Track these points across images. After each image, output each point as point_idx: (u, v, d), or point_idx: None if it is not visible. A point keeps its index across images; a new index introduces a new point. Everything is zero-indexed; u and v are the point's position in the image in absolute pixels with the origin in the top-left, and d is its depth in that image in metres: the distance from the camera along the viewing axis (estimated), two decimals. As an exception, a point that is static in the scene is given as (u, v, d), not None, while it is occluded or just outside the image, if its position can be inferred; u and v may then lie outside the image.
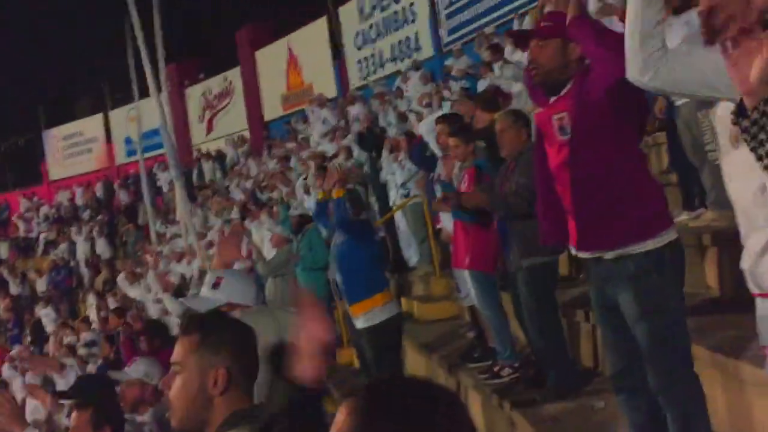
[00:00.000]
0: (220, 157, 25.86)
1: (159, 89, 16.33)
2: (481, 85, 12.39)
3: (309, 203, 13.43)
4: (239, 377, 2.56)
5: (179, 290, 14.66)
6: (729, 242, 6.04)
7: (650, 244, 3.90)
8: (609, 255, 4.00)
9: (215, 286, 3.78)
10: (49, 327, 21.54)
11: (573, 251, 4.24)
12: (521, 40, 4.55)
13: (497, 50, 13.34)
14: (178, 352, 2.60)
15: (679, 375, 3.91)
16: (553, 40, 4.09)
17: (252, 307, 3.48)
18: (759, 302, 3.15)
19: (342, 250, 7.36)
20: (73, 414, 4.69)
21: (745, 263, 3.04)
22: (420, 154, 10.22)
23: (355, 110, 18.85)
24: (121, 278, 18.80)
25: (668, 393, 3.91)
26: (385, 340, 7.38)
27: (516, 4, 18.68)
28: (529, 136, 6.43)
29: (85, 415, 4.63)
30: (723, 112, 2.83)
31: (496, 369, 7.11)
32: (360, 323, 7.40)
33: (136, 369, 6.18)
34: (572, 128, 4.01)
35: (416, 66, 19.16)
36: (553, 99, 4.17)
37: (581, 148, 3.99)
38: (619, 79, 3.17)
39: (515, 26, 14.78)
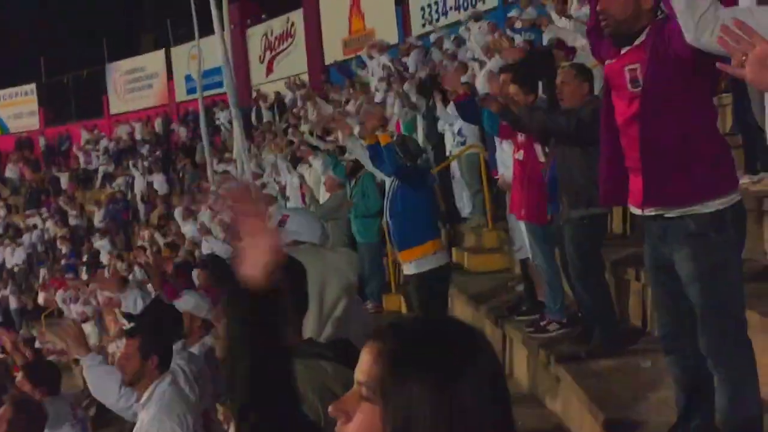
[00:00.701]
0: (279, 99, 25.86)
1: (222, 27, 16.31)
2: (545, 38, 12.15)
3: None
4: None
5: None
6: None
7: (714, 205, 3.82)
8: (671, 213, 3.91)
9: (281, 224, 3.77)
10: (104, 259, 21.95)
11: (633, 210, 4.14)
12: None
13: (563, 2, 13.04)
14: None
15: (731, 338, 3.84)
16: None
17: (301, 245, 3.47)
18: None
19: (395, 195, 7.33)
20: (125, 341, 4.80)
21: None
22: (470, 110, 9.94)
23: (412, 59, 18.66)
24: (177, 213, 19.05)
25: (719, 356, 3.85)
26: (432, 288, 7.36)
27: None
28: (591, 90, 6.37)
29: (134, 343, 4.73)
30: None
31: (543, 323, 7.09)
32: (409, 269, 7.40)
33: (186, 301, 6.28)
34: (645, 80, 3.86)
35: (476, 16, 18.85)
36: (624, 50, 4.02)
37: (653, 101, 3.85)
38: None
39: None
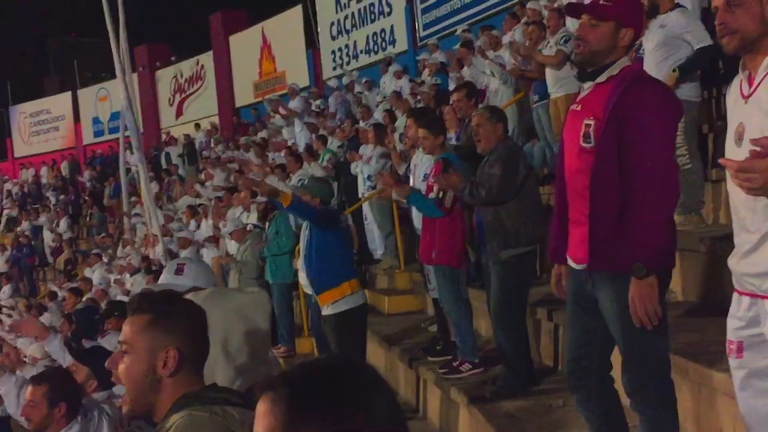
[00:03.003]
0: (189, 143, 25.64)
1: (128, 69, 16.18)
2: (455, 81, 12.33)
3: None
4: (190, 359, 2.51)
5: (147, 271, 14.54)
6: (692, 249, 6.07)
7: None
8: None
9: (178, 272, 3.75)
10: (6, 303, 21.34)
11: (574, 266, 4.04)
12: (572, 9, 4.37)
13: (470, 46, 13.31)
14: (126, 332, 2.53)
15: (654, 377, 3.86)
16: (607, 21, 3.88)
17: (204, 289, 3.43)
18: (735, 297, 3.16)
19: (310, 238, 7.29)
20: (29, 388, 4.65)
21: (732, 260, 3.11)
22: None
23: (333, 101, 18.81)
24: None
25: (640, 394, 3.86)
26: (351, 328, 7.31)
27: (493, 1, 18.67)
28: (505, 131, 6.48)
29: (41, 390, 4.58)
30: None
31: (455, 364, 7.09)
32: (326, 310, 7.35)
33: (109, 342, 6.14)
34: (597, 140, 3.81)
35: (388, 61, 19.10)
36: (585, 89, 3.98)
37: (602, 162, 3.80)
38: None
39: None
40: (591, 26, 3.89)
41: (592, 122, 3.83)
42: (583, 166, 3.88)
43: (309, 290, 7.98)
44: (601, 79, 3.90)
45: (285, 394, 1.51)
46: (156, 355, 2.48)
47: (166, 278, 3.82)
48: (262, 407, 1.53)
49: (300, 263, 7.93)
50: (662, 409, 3.87)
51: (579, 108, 3.96)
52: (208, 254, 13.82)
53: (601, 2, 3.92)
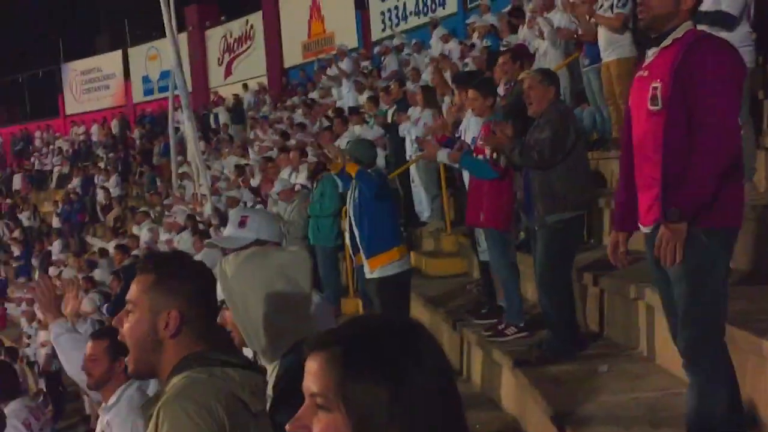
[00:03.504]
0: (237, 103, 25.74)
1: (176, 29, 16.26)
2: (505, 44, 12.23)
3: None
4: (193, 321, 2.50)
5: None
6: (748, 219, 5.99)
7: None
8: None
9: (242, 224, 3.75)
10: (55, 259, 21.71)
11: (646, 230, 4.08)
12: None
13: (520, 14, 13.19)
14: (132, 291, 2.53)
15: (708, 342, 3.88)
16: None
17: (249, 248, 3.42)
18: None
19: (360, 202, 7.34)
20: (90, 343, 4.69)
21: None
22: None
23: (386, 61, 18.71)
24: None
25: (694, 357, 3.89)
26: (395, 292, 7.43)
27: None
28: (557, 94, 6.43)
29: (102, 344, 4.62)
30: None
31: (501, 327, 7.10)
32: (371, 273, 7.43)
33: None
34: (664, 101, 3.85)
35: (433, 23, 18.97)
36: (650, 55, 4.00)
37: (672, 123, 3.84)
38: None
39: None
40: None
41: (659, 85, 3.87)
42: (652, 129, 3.92)
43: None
44: (666, 42, 3.93)
45: (338, 352, 1.53)
46: (158, 315, 2.47)
47: (229, 230, 3.83)
48: (314, 365, 1.55)
49: (346, 226, 7.96)
50: (714, 376, 3.87)
51: (645, 74, 4.00)
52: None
53: None
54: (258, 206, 14.02)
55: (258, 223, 3.74)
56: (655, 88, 3.88)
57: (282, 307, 2.81)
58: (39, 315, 16.76)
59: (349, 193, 7.66)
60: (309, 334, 2.77)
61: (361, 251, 7.51)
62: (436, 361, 1.58)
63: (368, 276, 7.51)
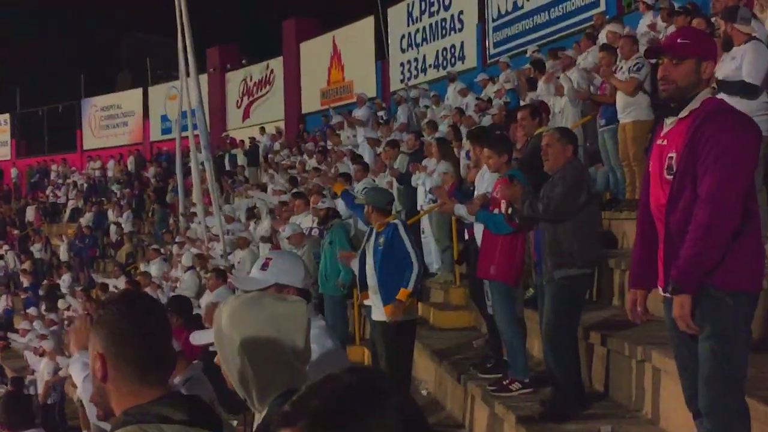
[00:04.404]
0: (252, 146, 25.90)
1: (196, 72, 16.47)
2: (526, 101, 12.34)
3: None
4: (121, 364, 2.40)
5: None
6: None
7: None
8: None
9: (264, 266, 3.72)
10: (65, 293, 21.75)
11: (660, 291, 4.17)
12: (651, 52, 4.55)
13: (539, 66, 13.33)
14: None
15: (728, 401, 3.92)
16: (689, 57, 4.04)
17: (249, 293, 3.38)
18: None
19: (384, 249, 7.45)
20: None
21: None
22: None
23: (402, 110, 18.86)
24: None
25: (715, 417, 3.91)
26: (403, 337, 7.54)
27: (565, 23, 18.66)
28: (574, 152, 6.48)
29: None
30: None
31: (505, 382, 7.08)
32: (379, 316, 7.55)
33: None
34: (677, 169, 3.96)
35: (451, 77, 19.15)
36: (668, 124, 4.11)
37: (680, 191, 3.95)
38: None
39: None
40: (674, 65, 4.05)
41: (674, 155, 3.99)
42: (665, 197, 4.01)
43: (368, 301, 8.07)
44: (683, 114, 4.03)
45: (306, 427, 1.50)
46: (95, 359, 2.44)
47: (252, 272, 3.82)
48: None
49: (357, 264, 8.02)
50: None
51: (665, 143, 4.10)
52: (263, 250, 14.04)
53: (679, 41, 4.11)
54: (270, 249, 14.06)
55: (279, 268, 3.70)
56: (670, 158, 3.99)
57: (270, 357, 2.75)
58: (46, 346, 16.80)
59: (370, 237, 7.73)
60: (298, 386, 2.76)
61: (378, 296, 7.55)
62: (402, 414, 1.53)
63: (377, 318, 7.57)
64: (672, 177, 3.96)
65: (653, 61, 10.15)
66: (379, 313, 7.56)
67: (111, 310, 2.43)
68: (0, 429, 5.88)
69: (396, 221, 7.71)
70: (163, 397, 2.41)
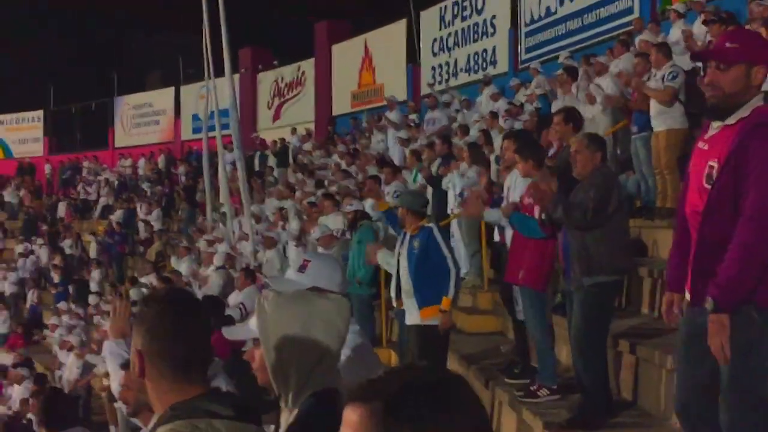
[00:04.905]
0: (283, 147, 25.97)
1: (230, 71, 16.59)
2: (556, 107, 12.31)
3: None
4: (159, 361, 2.44)
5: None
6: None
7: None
8: None
9: (302, 269, 3.68)
10: (94, 289, 21.93)
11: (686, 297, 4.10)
12: (697, 56, 4.33)
13: (573, 73, 13.30)
14: None
15: (756, 417, 3.86)
16: (738, 63, 3.86)
17: (296, 291, 3.39)
18: None
19: (419, 255, 7.44)
20: (123, 373, 4.72)
21: None
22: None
23: (433, 114, 18.87)
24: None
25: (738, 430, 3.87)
26: (437, 341, 7.51)
27: (597, 30, 18.61)
28: (603, 159, 6.47)
29: (132, 374, 4.65)
30: None
31: (533, 388, 7.08)
32: (414, 320, 7.56)
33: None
34: (717, 179, 3.81)
35: (486, 81, 19.14)
36: (714, 129, 3.96)
37: (718, 202, 3.82)
38: None
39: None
40: (721, 71, 3.86)
41: (715, 164, 3.83)
42: (701, 205, 3.90)
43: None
44: (731, 121, 3.87)
45: (379, 408, 1.53)
46: (135, 354, 2.49)
47: (290, 273, 3.80)
48: (354, 417, 1.55)
49: (393, 270, 8.00)
50: None
51: (706, 147, 3.96)
52: (291, 252, 14.14)
53: (727, 45, 3.90)
54: (298, 249, 14.12)
55: (318, 270, 3.65)
56: (711, 167, 3.84)
57: (315, 354, 2.78)
58: (73, 341, 16.93)
59: (404, 241, 7.74)
60: (332, 385, 2.79)
61: (413, 300, 7.55)
62: (475, 418, 1.58)
63: (412, 322, 7.56)
64: (711, 186, 3.84)
65: (686, 68, 10.12)
66: (413, 317, 7.56)
67: (153, 309, 2.48)
68: (40, 427, 5.91)
69: (431, 225, 7.70)
70: (208, 393, 2.46)
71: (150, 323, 2.45)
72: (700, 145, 4.02)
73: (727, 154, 3.77)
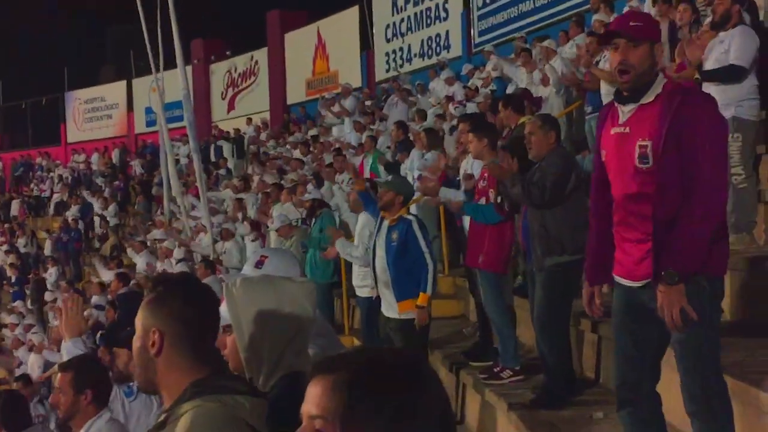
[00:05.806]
0: (238, 137, 25.81)
1: (183, 63, 16.43)
2: (510, 89, 12.35)
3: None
4: (178, 342, 2.53)
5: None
6: (742, 267, 6.03)
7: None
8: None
9: (259, 264, 3.64)
10: (51, 287, 21.67)
11: (622, 281, 4.08)
12: (604, 38, 4.41)
13: (528, 55, 13.32)
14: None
15: (712, 387, 3.90)
16: (644, 41, 3.92)
17: (262, 275, 3.40)
18: None
19: (398, 245, 7.34)
20: (58, 376, 4.61)
21: None
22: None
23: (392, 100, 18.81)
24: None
25: (705, 410, 3.89)
26: (419, 333, 7.37)
27: (550, 11, 18.64)
28: (557, 139, 6.47)
29: (67, 377, 4.52)
30: None
31: (496, 370, 7.10)
32: (392, 313, 7.44)
33: None
34: (656, 158, 3.83)
35: (441, 65, 19.12)
36: (627, 111, 3.97)
37: (666, 179, 3.83)
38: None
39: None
40: (631, 48, 3.92)
41: (648, 143, 3.85)
42: (643, 189, 3.90)
43: (365, 293, 8.00)
44: (648, 99, 3.91)
45: (344, 378, 1.54)
46: (147, 334, 2.54)
47: (246, 269, 3.77)
48: (318, 388, 1.56)
49: (370, 260, 7.91)
50: (721, 420, 3.90)
51: (627, 130, 3.95)
52: (248, 245, 14.07)
53: (631, 24, 3.99)
54: (256, 240, 14.04)
55: (275, 266, 3.60)
56: (643, 147, 3.85)
57: (286, 335, 2.83)
58: (34, 339, 16.75)
59: (381, 230, 7.62)
60: (301, 369, 2.80)
61: (391, 291, 7.44)
62: (438, 399, 1.59)
63: (392, 315, 7.48)
64: (648, 166, 3.84)
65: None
66: (392, 310, 7.48)
67: (173, 292, 2.58)
68: None
69: (410, 217, 7.53)
70: (219, 371, 2.57)
71: (174, 305, 2.55)
72: (615, 130, 4.01)
73: (665, 132, 3.79)
